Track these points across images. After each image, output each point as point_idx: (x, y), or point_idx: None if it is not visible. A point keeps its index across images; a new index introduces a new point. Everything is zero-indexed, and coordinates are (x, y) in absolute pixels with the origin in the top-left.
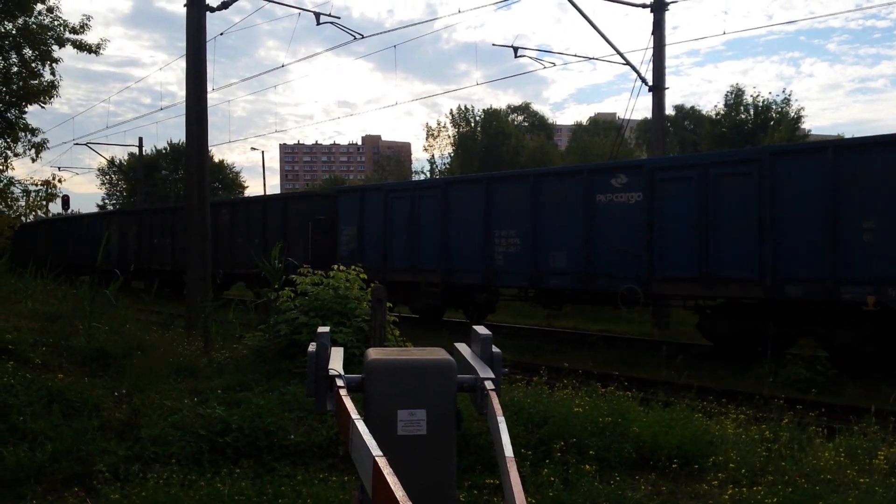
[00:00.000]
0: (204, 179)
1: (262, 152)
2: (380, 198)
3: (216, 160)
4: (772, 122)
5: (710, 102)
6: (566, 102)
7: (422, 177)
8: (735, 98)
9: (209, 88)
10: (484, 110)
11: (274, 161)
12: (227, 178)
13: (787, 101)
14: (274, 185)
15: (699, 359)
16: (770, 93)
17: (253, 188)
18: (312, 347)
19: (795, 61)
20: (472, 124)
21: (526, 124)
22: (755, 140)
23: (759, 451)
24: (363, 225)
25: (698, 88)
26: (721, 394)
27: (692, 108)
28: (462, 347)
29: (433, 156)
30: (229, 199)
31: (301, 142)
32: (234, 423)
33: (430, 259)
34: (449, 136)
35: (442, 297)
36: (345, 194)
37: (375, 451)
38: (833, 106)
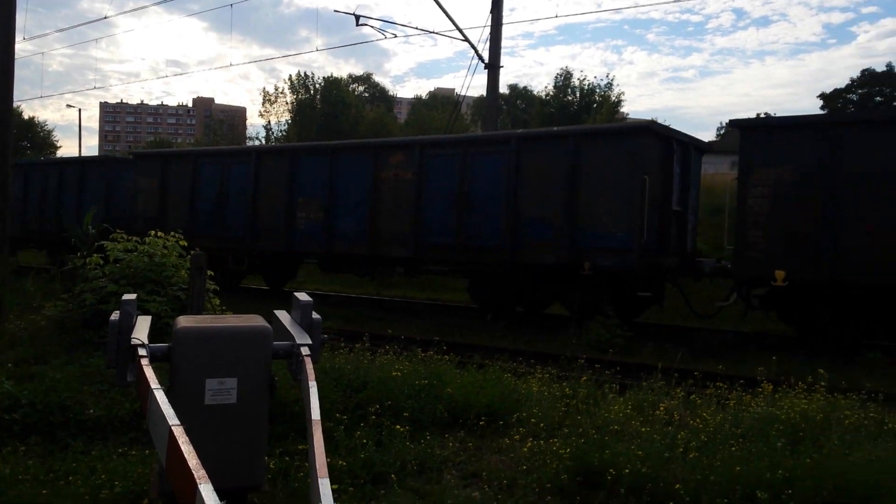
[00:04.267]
0: (7, 136)
1: (80, 110)
2: (189, 164)
3: (25, 116)
4: (595, 105)
5: (541, 84)
6: (407, 76)
7: (256, 143)
8: (563, 80)
9: (19, 38)
10: (324, 78)
11: (93, 120)
12: (37, 136)
13: (609, 85)
14: (92, 147)
15: (518, 325)
16: (595, 77)
17: (67, 149)
18: (115, 316)
19: (618, 49)
20: (312, 92)
21: (367, 95)
22: (580, 121)
23: (559, 406)
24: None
25: (531, 70)
26: (532, 356)
27: (525, 88)
28: (282, 314)
29: (269, 122)
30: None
31: (125, 101)
32: (24, 398)
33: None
34: (287, 103)
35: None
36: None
37: (172, 420)
38: (649, 92)
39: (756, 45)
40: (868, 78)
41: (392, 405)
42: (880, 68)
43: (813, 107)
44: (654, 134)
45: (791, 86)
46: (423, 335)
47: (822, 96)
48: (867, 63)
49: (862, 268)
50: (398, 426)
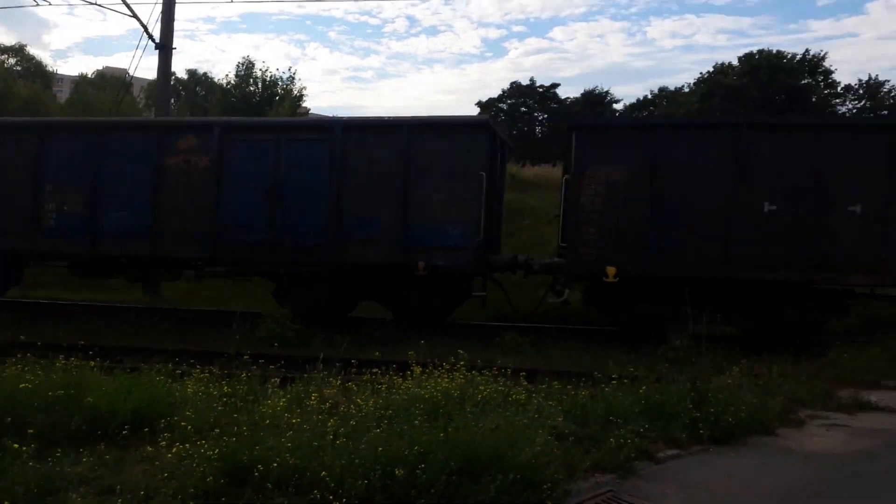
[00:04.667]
0: None
1: None
2: None
3: None
4: (277, 97)
5: (223, 71)
6: (71, 51)
7: None
8: (246, 70)
9: None
10: None
11: None
12: None
13: (291, 79)
14: None
15: (189, 324)
16: (277, 69)
17: None
18: None
19: (301, 43)
20: None
21: (19, 69)
22: (262, 112)
23: (216, 406)
24: None
25: (213, 56)
26: (195, 355)
27: (205, 74)
28: None
29: None
30: None
31: None
32: None
33: None
34: None
35: None
36: None
37: None
38: (331, 89)
39: (427, 53)
40: (515, 90)
41: (15, 421)
42: (525, 82)
43: (472, 113)
44: (490, 129)
45: (456, 92)
46: (71, 340)
47: (479, 104)
48: (516, 76)
49: (682, 262)
50: (19, 445)
